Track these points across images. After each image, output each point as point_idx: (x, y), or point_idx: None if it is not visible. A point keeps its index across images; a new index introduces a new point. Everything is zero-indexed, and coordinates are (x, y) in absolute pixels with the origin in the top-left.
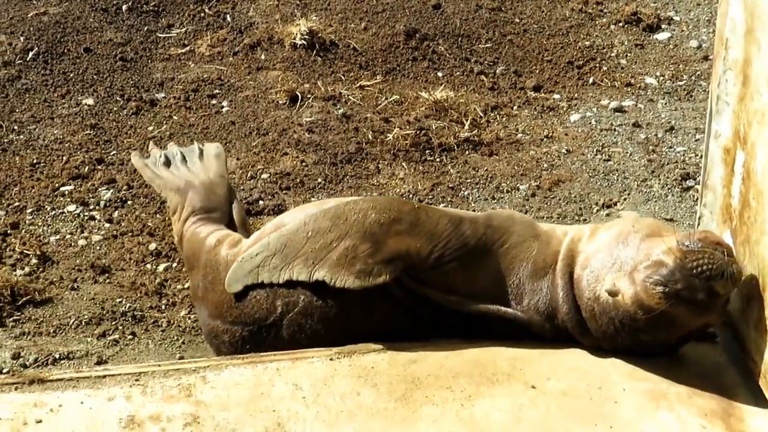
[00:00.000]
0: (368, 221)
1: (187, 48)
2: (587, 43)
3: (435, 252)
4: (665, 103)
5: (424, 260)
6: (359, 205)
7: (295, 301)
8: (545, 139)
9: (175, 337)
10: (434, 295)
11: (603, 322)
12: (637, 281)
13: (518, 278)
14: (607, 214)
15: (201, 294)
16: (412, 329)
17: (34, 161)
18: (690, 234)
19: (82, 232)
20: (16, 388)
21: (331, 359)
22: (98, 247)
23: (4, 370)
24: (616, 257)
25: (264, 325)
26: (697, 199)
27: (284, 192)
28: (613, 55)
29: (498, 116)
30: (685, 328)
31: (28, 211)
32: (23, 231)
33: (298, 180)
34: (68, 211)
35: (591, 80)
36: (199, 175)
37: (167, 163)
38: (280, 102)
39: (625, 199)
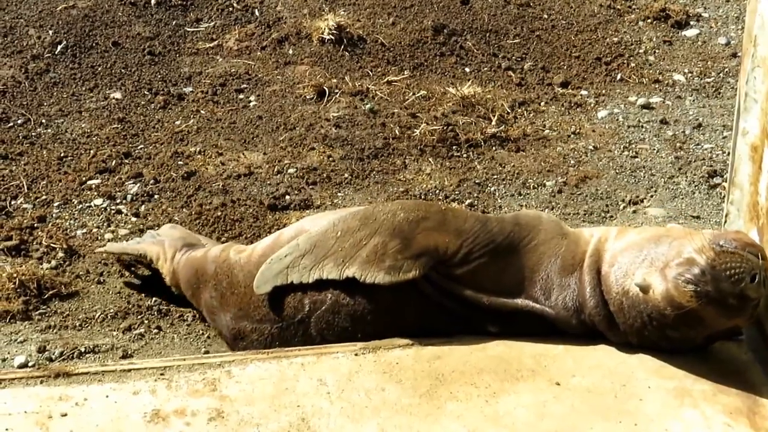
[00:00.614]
0: (397, 219)
1: (215, 42)
2: (615, 39)
3: (464, 248)
4: (693, 100)
5: (452, 256)
6: (388, 206)
7: (323, 299)
8: (572, 136)
9: (201, 332)
10: (463, 291)
11: (631, 316)
12: (668, 278)
13: (546, 274)
14: (634, 211)
15: (218, 303)
16: (441, 327)
17: (62, 155)
18: (723, 234)
19: (109, 225)
20: (41, 382)
21: (356, 354)
22: (125, 241)
23: (30, 364)
24: (647, 254)
25: (292, 322)
26: (724, 196)
27: (311, 187)
28: (641, 51)
29: (525, 112)
30: (713, 328)
31: (55, 204)
32: (50, 224)
33: (324, 175)
34: (95, 205)
35: (619, 76)
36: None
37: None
38: (308, 97)
39: (651, 196)
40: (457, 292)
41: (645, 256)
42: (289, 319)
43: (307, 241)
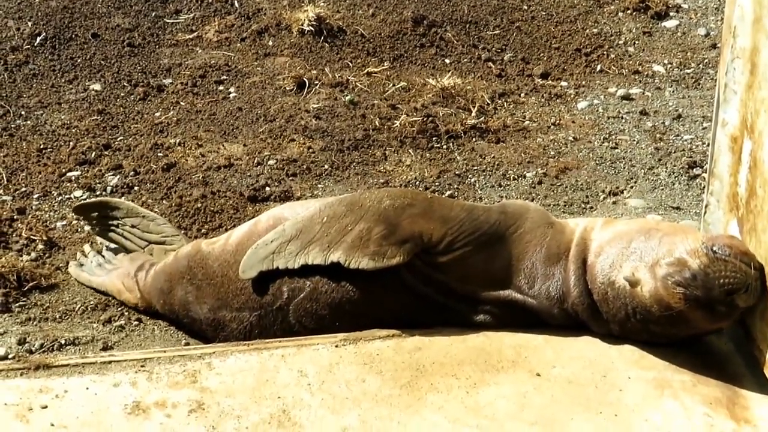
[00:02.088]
0: (383, 206)
1: (195, 34)
2: (595, 30)
3: (448, 235)
4: (673, 91)
5: (437, 243)
6: (374, 193)
7: (302, 287)
8: (552, 127)
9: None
10: (446, 280)
11: (615, 307)
12: (658, 276)
13: (531, 263)
14: (614, 202)
15: (193, 297)
16: (420, 317)
17: (41, 146)
18: (716, 237)
19: None
20: (21, 374)
21: (336, 346)
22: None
23: (10, 356)
24: (636, 247)
25: (271, 309)
26: (703, 187)
27: (291, 178)
28: (621, 42)
29: (505, 103)
30: (697, 329)
31: (35, 196)
32: (30, 216)
33: (304, 166)
34: (75, 197)
35: (599, 68)
36: (118, 264)
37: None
38: (288, 88)
39: (631, 187)
40: (440, 281)
41: (634, 249)
42: (267, 307)
43: (293, 226)
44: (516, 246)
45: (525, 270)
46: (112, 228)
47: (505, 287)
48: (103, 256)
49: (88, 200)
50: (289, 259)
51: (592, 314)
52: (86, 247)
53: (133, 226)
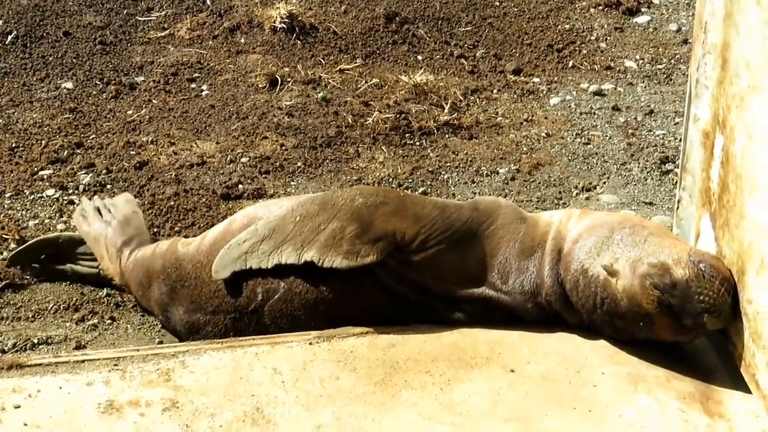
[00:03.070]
0: (355, 204)
1: (167, 31)
2: (567, 26)
3: (421, 234)
4: (645, 87)
5: (410, 242)
6: (347, 191)
7: (276, 288)
8: (525, 123)
9: (154, 322)
10: (421, 279)
11: (584, 296)
12: (637, 273)
13: (505, 258)
14: (587, 198)
15: (168, 298)
16: (394, 316)
17: (13, 145)
18: (703, 254)
19: (61, 216)
20: None
21: (310, 343)
22: (77, 232)
23: None
24: (618, 239)
25: (246, 312)
26: (676, 182)
27: (264, 176)
28: (592, 38)
29: (478, 100)
30: (657, 335)
31: (7, 195)
32: (1, 215)
33: (277, 164)
34: (47, 196)
35: (571, 64)
36: (113, 219)
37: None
38: (260, 86)
39: (604, 183)
40: (415, 280)
41: (616, 241)
42: (242, 310)
43: (266, 225)
44: (489, 242)
45: (498, 266)
46: (61, 265)
47: (479, 284)
48: (103, 202)
49: (19, 248)
50: (262, 259)
51: (565, 304)
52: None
53: (81, 254)
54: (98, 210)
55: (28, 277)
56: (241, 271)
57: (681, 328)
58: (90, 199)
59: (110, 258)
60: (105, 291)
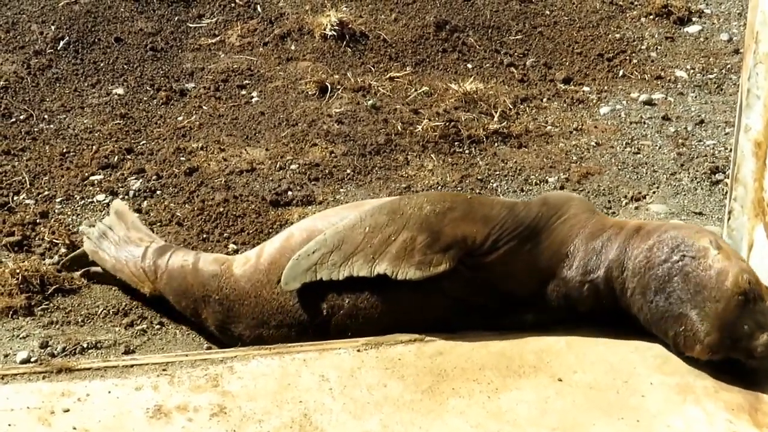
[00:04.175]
0: (424, 212)
1: (217, 38)
2: (617, 35)
3: (492, 235)
4: (695, 97)
5: (481, 244)
6: (413, 199)
7: (341, 304)
8: (574, 132)
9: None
10: (489, 277)
11: (657, 258)
12: (738, 263)
13: (575, 245)
14: (636, 207)
15: (224, 316)
16: (461, 325)
17: (64, 150)
18: None
19: None
20: (44, 377)
21: (358, 350)
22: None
23: (33, 359)
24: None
25: (310, 326)
26: (726, 192)
27: (313, 183)
28: (643, 47)
29: (527, 108)
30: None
31: (58, 200)
32: (52, 220)
33: (326, 171)
34: (97, 201)
35: (621, 73)
36: (119, 239)
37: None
38: (310, 93)
39: (654, 193)
40: (483, 281)
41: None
42: (307, 324)
43: (335, 236)
44: (560, 232)
45: (569, 254)
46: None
47: (549, 277)
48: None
49: (71, 254)
50: (332, 271)
51: (620, 288)
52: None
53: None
54: (104, 234)
55: (80, 282)
56: (311, 282)
57: (733, 333)
58: (91, 226)
59: (136, 276)
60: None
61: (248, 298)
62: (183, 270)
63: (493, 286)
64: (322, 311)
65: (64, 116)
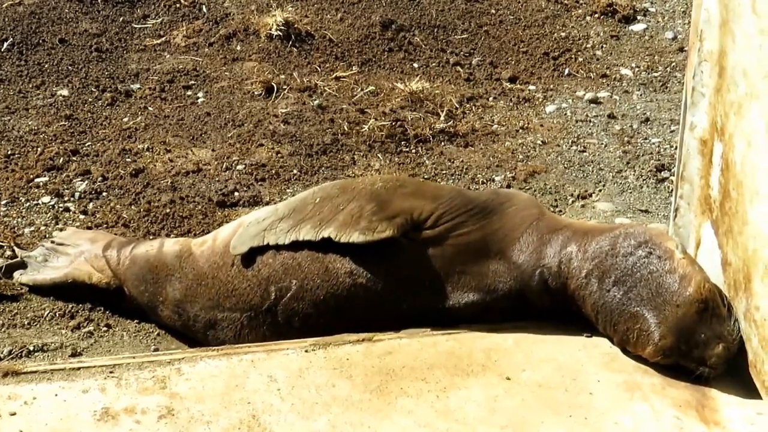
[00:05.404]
0: (375, 187)
1: (163, 39)
2: (563, 34)
3: (439, 209)
4: (640, 95)
5: (428, 217)
6: (367, 178)
7: (288, 286)
8: (521, 131)
9: (150, 330)
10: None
11: (622, 253)
12: (701, 271)
13: (528, 232)
14: (582, 206)
15: (182, 295)
16: (405, 310)
17: (9, 152)
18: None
19: (57, 223)
20: None
21: (306, 351)
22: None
23: None
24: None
25: (260, 311)
26: (671, 190)
27: (260, 183)
28: (588, 46)
29: (473, 107)
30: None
31: (2, 202)
32: None
33: (273, 171)
34: (43, 203)
35: (566, 71)
36: (75, 245)
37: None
38: (256, 93)
39: (600, 191)
40: (430, 259)
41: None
42: (257, 308)
43: (286, 206)
44: (513, 218)
45: (521, 239)
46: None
47: (500, 259)
48: (52, 242)
49: (9, 262)
50: (279, 236)
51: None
52: (18, 252)
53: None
54: (54, 250)
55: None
56: (258, 246)
57: (688, 340)
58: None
59: (98, 269)
60: (101, 298)
61: (206, 278)
62: (147, 254)
63: (442, 263)
64: (271, 294)
65: (9, 118)
